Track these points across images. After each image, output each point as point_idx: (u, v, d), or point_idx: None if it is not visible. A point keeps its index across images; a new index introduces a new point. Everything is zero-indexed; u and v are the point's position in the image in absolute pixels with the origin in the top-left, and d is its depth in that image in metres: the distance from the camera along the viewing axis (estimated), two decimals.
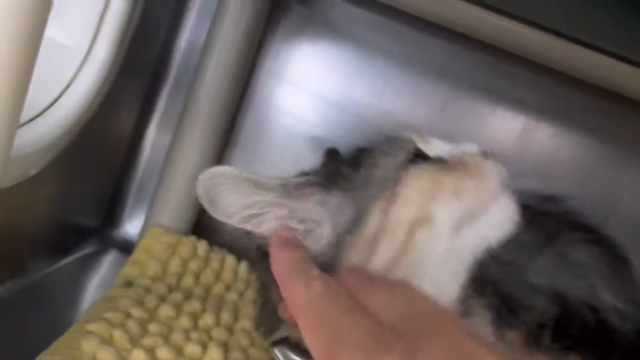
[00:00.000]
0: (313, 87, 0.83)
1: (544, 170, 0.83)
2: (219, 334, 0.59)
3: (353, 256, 0.40)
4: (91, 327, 0.53)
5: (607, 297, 0.67)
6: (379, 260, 0.41)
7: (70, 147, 0.60)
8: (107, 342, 0.52)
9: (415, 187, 0.44)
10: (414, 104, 0.84)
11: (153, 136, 0.81)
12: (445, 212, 0.44)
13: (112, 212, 0.79)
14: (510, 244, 0.67)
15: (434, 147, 0.46)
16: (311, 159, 0.54)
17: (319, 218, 0.44)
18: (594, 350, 0.58)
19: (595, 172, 0.83)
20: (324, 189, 0.44)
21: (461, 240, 0.46)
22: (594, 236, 0.75)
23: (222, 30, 0.73)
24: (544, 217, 0.75)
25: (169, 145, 0.75)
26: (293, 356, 0.41)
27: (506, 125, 0.83)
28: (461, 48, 0.82)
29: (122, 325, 0.55)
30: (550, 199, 0.77)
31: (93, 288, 0.70)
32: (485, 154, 0.45)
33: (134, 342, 0.53)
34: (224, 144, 0.78)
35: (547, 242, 0.71)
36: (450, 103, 0.83)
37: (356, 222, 0.42)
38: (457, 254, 0.45)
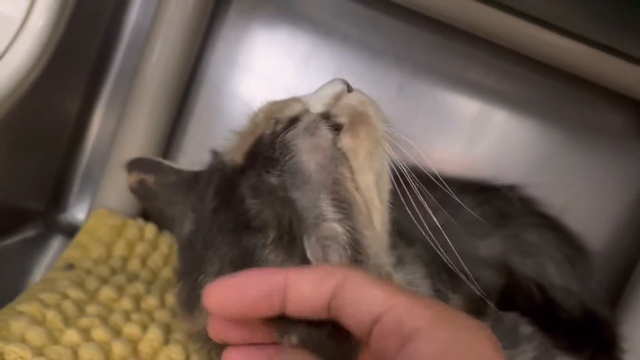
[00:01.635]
0: (266, 72, 0.81)
1: (499, 152, 0.83)
2: (162, 315, 0.57)
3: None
4: (22, 307, 0.50)
5: (555, 277, 0.67)
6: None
7: (7, 126, 0.58)
8: (38, 322, 0.49)
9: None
10: (371, 87, 0.83)
11: (100, 120, 0.78)
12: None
13: (57, 196, 0.76)
14: (465, 221, 0.67)
15: (313, 103, 0.44)
16: None
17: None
18: (539, 323, 0.58)
19: (552, 155, 0.83)
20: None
21: None
22: (547, 222, 0.75)
23: (168, 13, 0.71)
24: (502, 200, 0.75)
25: (115, 129, 0.72)
26: None
27: (463, 108, 0.82)
28: (419, 30, 0.81)
29: (57, 307, 0.52)
30: (510, 186, 0.78)
31: (38, 272, 0.67)
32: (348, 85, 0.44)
33: (69, 322, 0.51)
34: (173, 130, 0.76)
35: (502, 223, 0.71)
36: (407, 85, 0.82)
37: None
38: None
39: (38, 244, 0.69)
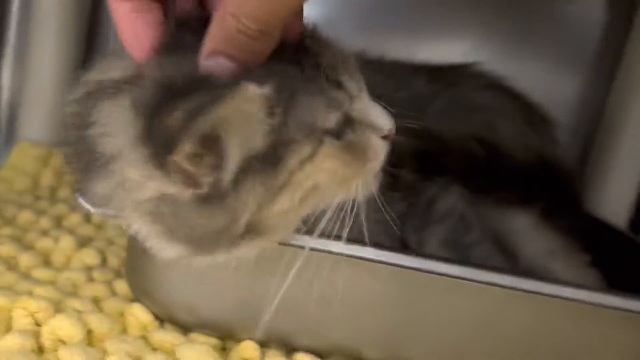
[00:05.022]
0: None
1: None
2: (85, 230, 0.54)
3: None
4: None
5: (506, 132, 0.62)
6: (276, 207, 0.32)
7: None
8: None
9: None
10: None
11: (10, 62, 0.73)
12: None
13: None
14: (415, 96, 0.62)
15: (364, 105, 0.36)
16: None
17: None
18: (482, 180, 0.53)
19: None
20: None
21: None
22: (503, 86, 0.69)
23: None
24: (456, 75, 0.70)
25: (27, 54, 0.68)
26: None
27: None
28: None
29: None
30: (466, 64, 0.72)
31: None
32: None
33: None
34: (85, 47, 0.71)
35: (451, 88, 0.66)
36: None
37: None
38: None
39: None
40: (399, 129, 0.38)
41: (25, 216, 0.54)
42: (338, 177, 0.33)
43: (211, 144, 0.29)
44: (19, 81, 0.70)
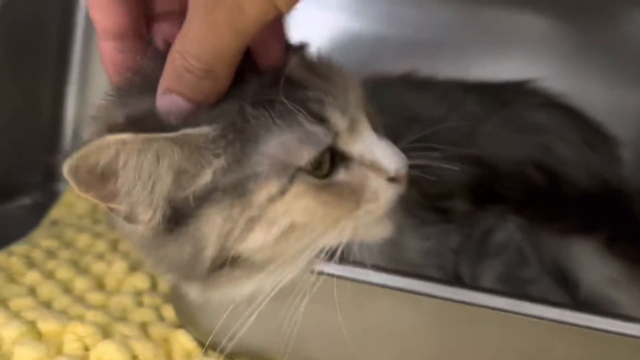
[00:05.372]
0: None
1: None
2: (138, 254, 0.56)
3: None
4: None
5: (567, 155, 0.59)
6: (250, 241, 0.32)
7: None
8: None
9: None
10: None
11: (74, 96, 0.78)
12: None
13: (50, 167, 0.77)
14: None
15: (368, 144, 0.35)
16: None
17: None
18: (541, 208, 0.50)
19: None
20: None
21: None
22: (560, 105, 0.66)
23: None
24: (508, 92, 0.67)
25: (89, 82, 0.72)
26: None
27: None
28: None
29: (24, 255, 0.52)
30: (518, 81, 0.69)
31: None
32: None
33: (33, 266, 0.50)
34: None
35: (503, 108, 0.63)
36: None
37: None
38: None
39: (34, 212, 0.70)
40: (451, 158, 0.37)
41: (83, 239, 0.57)
42: (319, 216, 0.31)
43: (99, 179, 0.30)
44: (81, 108, 0.74)
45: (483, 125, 0.59)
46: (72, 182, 0.29)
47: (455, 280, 0.43)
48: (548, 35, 0.72)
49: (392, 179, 0.33)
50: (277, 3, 0.26)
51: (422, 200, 0.43)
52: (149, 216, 0.31)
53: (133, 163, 0.29)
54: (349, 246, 0.34)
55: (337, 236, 0.32)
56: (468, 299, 0.35)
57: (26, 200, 0.71)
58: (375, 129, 0.35)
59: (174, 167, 0.30)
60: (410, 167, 0.36)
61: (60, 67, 0.77)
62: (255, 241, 0.31)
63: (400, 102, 0.59)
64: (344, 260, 0.34)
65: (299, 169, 0.31)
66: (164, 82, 0.30)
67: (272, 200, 0.30)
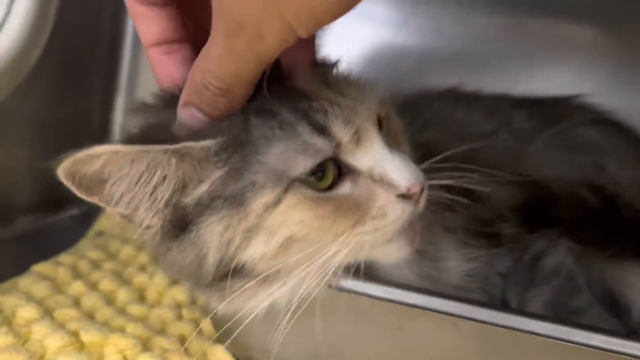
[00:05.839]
0: None
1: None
2: None
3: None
4: (36, 267, 0.52)
5: (620, 176, 0.56)
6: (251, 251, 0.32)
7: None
8: (47, 278, 0.50)
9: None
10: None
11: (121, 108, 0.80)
12: None
13: None
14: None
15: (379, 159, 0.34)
16: None
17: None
18: (596, 232, 0.48)
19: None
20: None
21: None
22: (610, 122, 0.63)
23: None
24: (558, 107, 0.65)
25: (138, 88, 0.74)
26: None
27: None
28: None
29: (71, 265, 0.53)
30: (568, 96, 0.67)
31: None
32: None
33: (78, 277, 0.51)
34: None
35: (552, 124, 0.61)
36: None
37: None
38: None
39: (81, 222, 0.72)
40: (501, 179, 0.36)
41: (126, 251, 0.58)
42: (317, 229, 0.31)
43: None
44: None
45: (533, 143, 0.58)
46: (68, 185, 0.31)
47: (492, 303, 0.41)
48: (595, 47, 0.70)
49: (404, 196, 0.32)
50: (297, 30, 0.27)
51: (468, 225, 0.42)
52: (154, 221, 0.32)
53: (126, 172, 0.31)
54: (370, 264, 0.33)
55: (344, 252, 0.32)
56: (507, 322, 0.33)
57: (74, 211, 0.73)
58: (397, 144, 0.35)
59: (171, 176, 0.31)
60: (440, 187, 0.35)
61: (109, 78, 0.78)
62: (256, 251, 0.32)
63: (449, 118, 0.58)
64: (371, 278, 0.34)
65: (296, 179, 0.31)
66: (185, 95, 0.32)
67: (268, 209, 0.31)
